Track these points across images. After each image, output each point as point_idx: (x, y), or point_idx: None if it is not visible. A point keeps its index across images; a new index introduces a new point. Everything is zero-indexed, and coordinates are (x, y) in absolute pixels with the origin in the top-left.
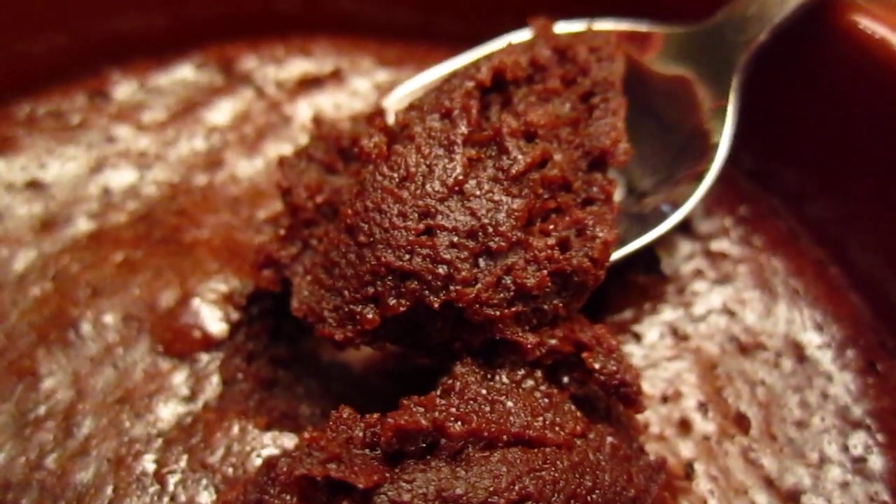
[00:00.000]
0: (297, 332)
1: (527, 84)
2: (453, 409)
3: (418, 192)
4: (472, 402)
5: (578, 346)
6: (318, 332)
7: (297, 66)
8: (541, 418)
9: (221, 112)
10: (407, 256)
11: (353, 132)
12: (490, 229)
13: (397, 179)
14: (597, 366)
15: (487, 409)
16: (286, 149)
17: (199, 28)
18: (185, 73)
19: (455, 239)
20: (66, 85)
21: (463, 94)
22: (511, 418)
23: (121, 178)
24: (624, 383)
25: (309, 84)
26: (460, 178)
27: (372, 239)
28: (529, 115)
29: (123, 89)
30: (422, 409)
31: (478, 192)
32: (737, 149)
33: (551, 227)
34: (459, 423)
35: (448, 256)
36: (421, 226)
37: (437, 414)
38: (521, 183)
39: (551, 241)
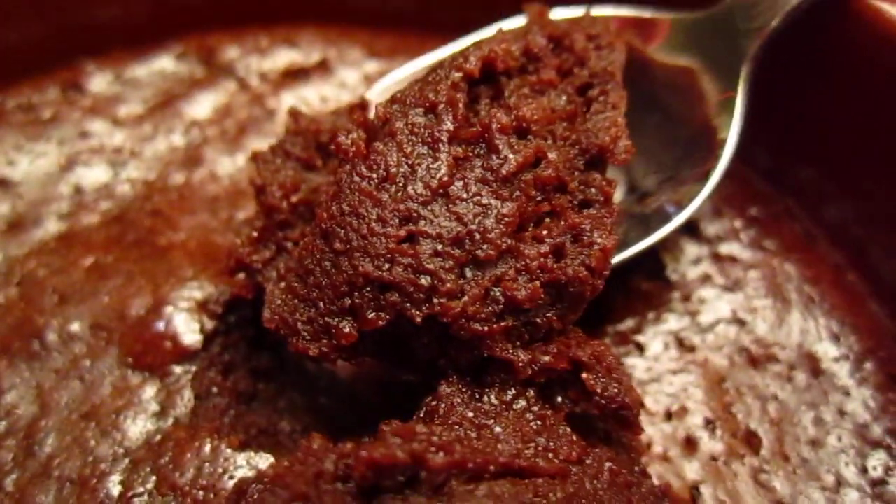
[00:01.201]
0: (281, 342)
1: (519, 75)
2: (435, 438)
3: (399, 194)
4: (456, 427)
5: (575, 364)
6: (292, 346)
7: (283, 57)
8: (532, 444)
9: (202, 105)
10: (386, 266)
11: (333, 127)
12: (477, 236)
13: (376, 180)
14: (598, 389)
15: (473, 435)
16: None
17: (179, 17)
18: (163, 64)
19: (439, 247)
20: (37, 77)
21: (449, 86)
22: (500, 446)
23: (93, 176)
24: (624, 406)
25: (294, 75)
26: (445, 179)
27: (349, 246)
28: (522, 109)
29: (98, 81)
30: (399, 441)
31: (464, 195)
32: (749, 146)
33: (545, 232)
34: (441, 453)
35: (431, 266)
36: (402, 232)
37: (416, 445)
38: (512, 185)
39: (544, 248)
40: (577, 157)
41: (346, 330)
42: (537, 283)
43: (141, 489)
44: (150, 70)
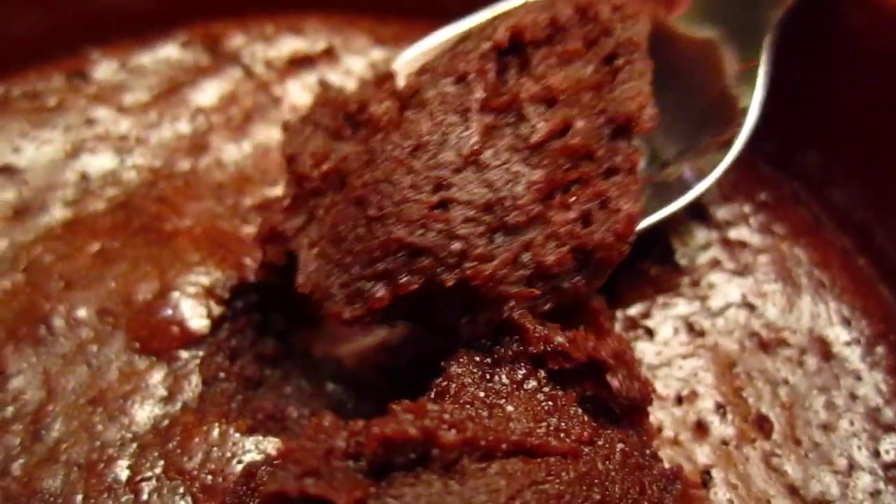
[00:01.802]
0: (287, 327)
1: (546, 45)
2: (446, 416)
3: (431, 162)
4: (468, 406)
5: (592, 361)
6: (326, 309)
7: (288, 45)
8: (544, 424)
9: (207, 93)
10: (420, 231)
11: (360, 97)
12: (507, 203)
13: (409, 149)
14: (623, 391)
15: (485, 414)
16: (275, 132)
17: (184, 4)
18: (168, 51)
19: (470, 213)
20: (42, 65)
21: (479, 56)
22: (511, 424)
23: (99, 163)
24: (638, 402)
25: (300, 63)
26: (476, 147)
27: (382, 212)
28: (549, 78)
29: (103, 69)
30: (411, 417)
31: (495, 163)
32: (757, 131)
33: (572, 199)
34: (453, 430)
35: (463, 231)
36: (434, 199)
37: (427, 422)
38: (540, 152)
39: (572, 214)
40: (604, 126)
41: (380, 294)
42: (565, 248)
43: (149, 473)
44: (155, 58)
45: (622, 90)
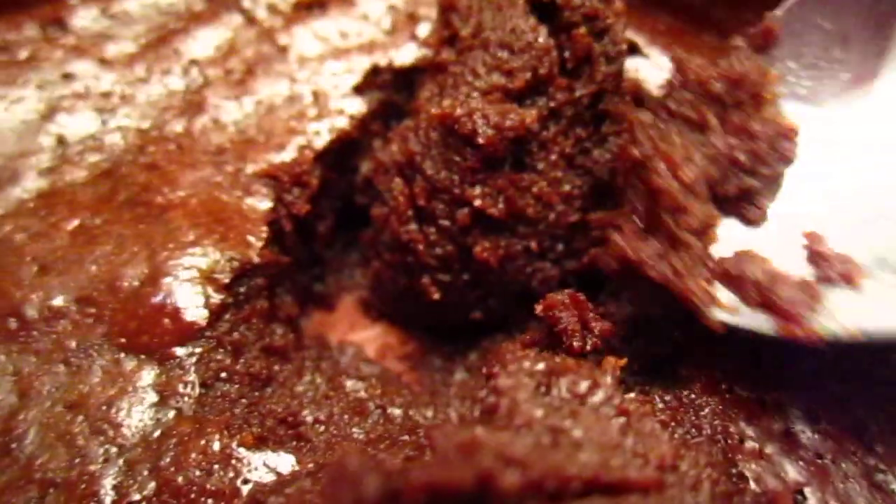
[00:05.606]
0: (298, 313)
1: None
2: (505, 451)
3: None
4: (524, 431)
5: None
6: None
7: None
8: (619, 450)
9: (202, 42)
10: None
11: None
12: None
13: None
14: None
15: (547, 441)
16: (281, 86)
17: None
18: None
19: None
20: (13, 12)
21: None
22: (581, 455)
23: (79, 124)
24: None
25: (309, 7)
26: None
27: None
28: None
29: (83, 16)
30: (460, 456)
31: None
32: None
33: None
34: (513, 470)
35: None
36: None
37: (483, 460)
38: None
39: None
40: None
41: None
42: None
43: (137, 496)
44: (142, 3)
45: None
